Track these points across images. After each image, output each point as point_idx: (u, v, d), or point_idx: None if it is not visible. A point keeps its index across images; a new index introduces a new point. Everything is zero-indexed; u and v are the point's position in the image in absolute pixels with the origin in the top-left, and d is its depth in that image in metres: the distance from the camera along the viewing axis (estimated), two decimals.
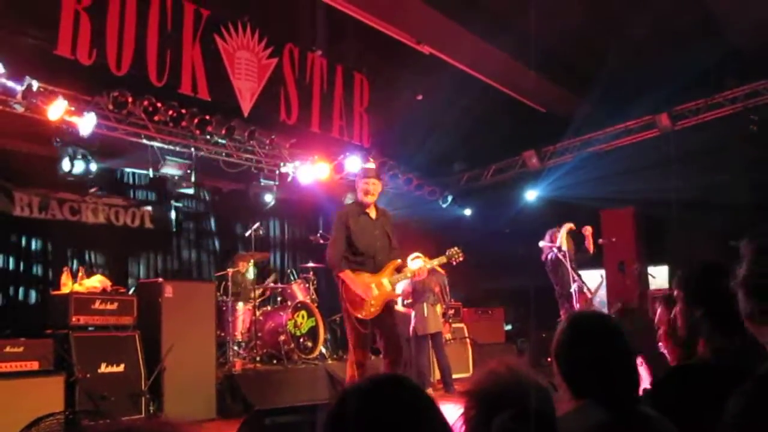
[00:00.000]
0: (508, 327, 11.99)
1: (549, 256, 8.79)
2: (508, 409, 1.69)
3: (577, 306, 8.12)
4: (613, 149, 11.84)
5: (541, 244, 8.89)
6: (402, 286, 8.64)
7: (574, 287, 8.33)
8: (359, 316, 6.09)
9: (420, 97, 10.95)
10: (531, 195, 12.78)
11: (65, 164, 7.84)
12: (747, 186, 10.13)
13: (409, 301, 9.02)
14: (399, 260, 6.45)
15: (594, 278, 9.76)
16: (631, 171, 11.05)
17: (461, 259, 6.61)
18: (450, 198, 12.49)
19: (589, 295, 8.63)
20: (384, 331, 6.21)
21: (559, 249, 8.55)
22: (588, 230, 9.04)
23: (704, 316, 2.66)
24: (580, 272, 8.80)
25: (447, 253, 6.62)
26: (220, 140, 9.16)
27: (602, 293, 10.27)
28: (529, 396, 1.75)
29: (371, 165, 7.07)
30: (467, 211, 13.10)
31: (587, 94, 11.18)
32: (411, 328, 8.82)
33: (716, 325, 2.61)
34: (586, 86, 10.85)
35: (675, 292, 2.86)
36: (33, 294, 8.77)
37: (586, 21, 9.36)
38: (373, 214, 6.46)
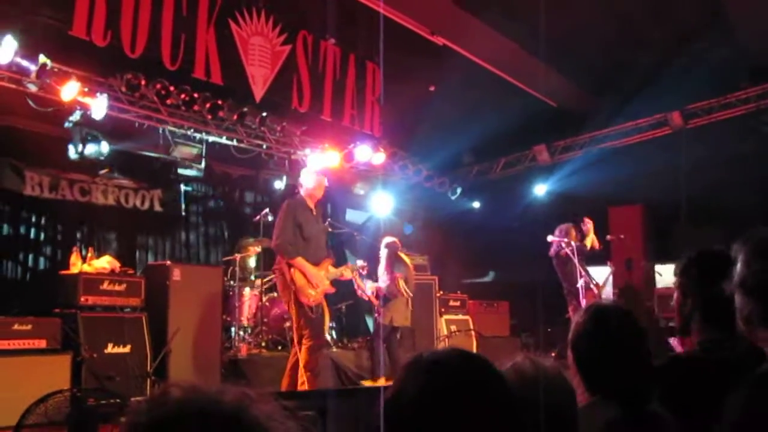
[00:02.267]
0: (514, 321, 11.99)
1: (558, 251, 8.78)
2: (533, 406, 1.67)
3: (584, 302, 8.11)
4: (624, 146, 11.82)
5: (550, 238, 8.88)
6: (384, 279, 8.65)
7: (581, 282, 8.32)
8: (306, 302, 6.49)
9: (432, 89, 10.93)
10: (540, 189, 12.76)
11: (77, 145, 7.87)
12: (756, 186, 10.11)
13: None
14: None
15: (601, 275, 9.76)
16: (640, 169, 11.03)
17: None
18: (459, 190, 12.47)
19: (596, 291, 8.63)
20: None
21: (568, 244, 8.55)
22: (588, 224, 9.00)
23: (696, 306, 2.64)
24: (588, 268, 8.80)
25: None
26: (231, 126, 9.17)
27: (609, 290, 10.27)
28: (555, 393, 1.74)
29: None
30: (476, 204, 13.08)
31: (600, 90, 11.16)
32: (388, 319, 8.67)
33: (708, 317, 2.60)
34: (599, 83, 10.83)
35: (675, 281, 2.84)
36: (42, 273, 8.80)
37: (600, 17, 9.33)
38: (313, 210, 6.94)
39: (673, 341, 3.62)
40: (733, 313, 2.59)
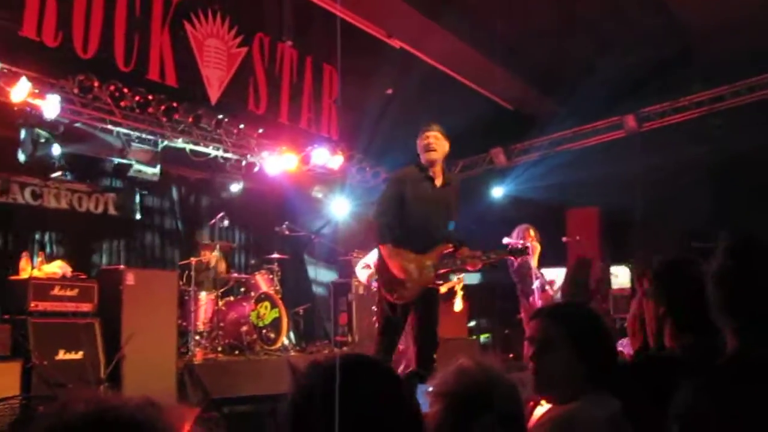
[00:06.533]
0: (472, 323, 12.03)
1: None
2: (481, 409, 1.67)
3: (539, 303, 8.17)
4: (581, 149, 11.95)
5: (506, 240, 8.92)
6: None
7: (536, 284, 8.38)
8: (390, 299, 5.53)
9: (390, 92, 10.95)
10: (497, 192, 12.84)
11: (27, 147, 7.72)
12: (708, 190, 10.28)
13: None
14: (452, 244, 5.65)
15: (556, 276, 9.83)
16: (597, 171, 11.14)
17: None
18: None
19: (550, 293, 8.70)
20: (415, 321, 5.65)
21: (524, 246, 8.58)
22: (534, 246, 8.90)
23: (668, 311, 2.68)
24: (543, 270, 8.85)
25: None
26: (186, 128, 9.08)
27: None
28: (503, 396, 1.74)
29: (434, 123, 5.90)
30: None
31: (556, 93, 11.26)
32: None
33: (680, 322, 2.64)
34: (555, 85, 10.93)
35: (642, 286, 2.87)
36: None
37: (556, 21, 9.42)
38: (438, 180, 5.75)
39: (622, 343, 3.66)
40: (706, 318, 2.64)
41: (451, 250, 5.63)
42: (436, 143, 5.69)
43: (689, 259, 2.79)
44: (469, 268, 5.84)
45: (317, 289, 11.78)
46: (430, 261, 5.55)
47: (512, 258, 6.51)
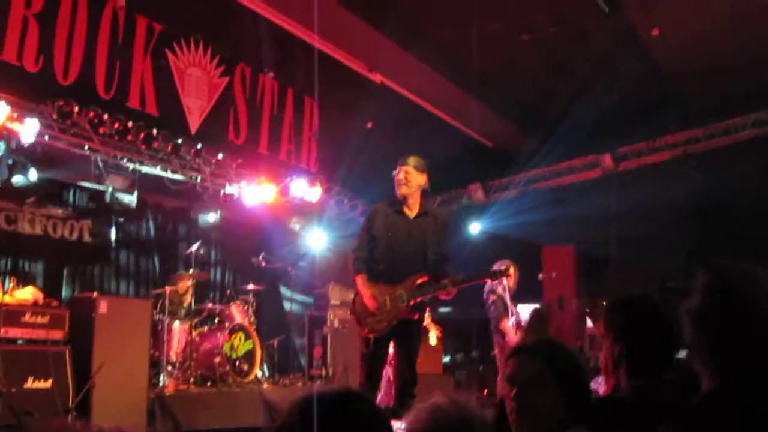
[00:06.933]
0: (446, 359, 11.99)
1: (493, 289, 8.79)
2: None
3: (516, 339, 8.14)
4: (557, 187, 12.04)
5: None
6: None
7: (512, 321, 8.36)
8: (364, 333, 5.53)
9: (370, 125, 10.99)
10: (475, 228, 12.87)
11: (3, 172, 7.65)
12: (684, 229, 10.38)
13: None
14: (428, 274, 5.55)
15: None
16: (573, 209, 11.23)
17: None
18: None
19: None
20: (394, 355, 5.68)
21: (499, 282, 8.56)
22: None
23: (623, 352, 2.66)
24: (519, 306, 8.85)
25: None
26: (165, 156, 9.05)
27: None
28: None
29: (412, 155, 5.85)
30: None
31: (535, 131, 11.37)
32: None
33: (635, 362, 2.63)
34: (535, 123, 11.04)
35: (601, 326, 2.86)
36: None
37: (535, 60, 9.55)
38: (411, 212, 5.74)
39: (596, 380, 3.66)
40: (658, 359, 2.64)
41: (426, 279, 5.55)
42: (407, 177, 5.68)
43: (644, 298, 2.79)
44: (442, 297, 5.66)
45: (292, 322, 11.68)
46: (403, 290, 5.48)
47: (487, 281, 6.47)
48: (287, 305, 11.89)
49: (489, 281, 8.68)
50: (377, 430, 1.42)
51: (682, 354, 2.55)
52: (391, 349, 5.82)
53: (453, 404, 1.75)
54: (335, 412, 1.40)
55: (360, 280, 5.61)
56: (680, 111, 10.67)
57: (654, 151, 11.22)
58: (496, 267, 8.28)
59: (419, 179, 5.74)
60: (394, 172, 5.77)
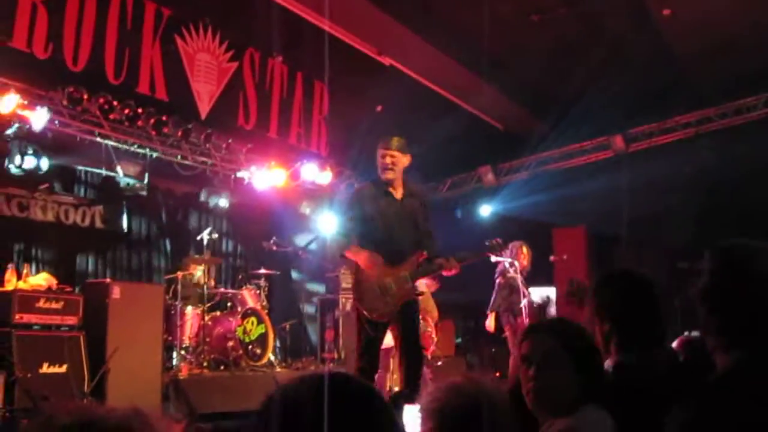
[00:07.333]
0: (458, 340, 12.02)
1: (504, 271, 8.81)
2: (474, 424, 1.64)
3: (527, 321, 8.16)
4: (568, 168, 12.01)
5: (494, 259, 8.90)
6: None
7: (523, 302, 8.37)
8: (369, 316, 5.35)
9: (380, 109, 10.97)
10: (485, 210, 12.86)
11: (15, 159, 7.68)
12: (694, 210, 10.34)
13: None
14: (426, 252, 5.57)
15: (544, 294, 9.86)
16: (584, 191, 11.20)
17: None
18: None
19: (536, 312, 8.69)
20: (399, 338, 5.48)
21: (512, 264, 8.58)
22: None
23: (611, 329, 2.64)
24: (531, 288, 8.86)
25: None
26: (175, 142, 9.06)
27: (552, 310, 10.36)
28: (496, 410, 1.71)
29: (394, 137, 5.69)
30: None
31: (545, 113, 11.32)
32: None
33: (624, 340, 2.62)
34: (545, 105, 10.99)
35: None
36: None
37: (545, 41, 9.48)
38: (398, 193, 5.64)
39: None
40: (650, 334, 2.63)
41: (425, 256, 5.58)
42: (393, 161, 5.58)
43: (628, 272, 2.77)
44: (445, 273, 5.65)
45: (304, 305, 11.71)
46: (406, 271, 5.45)
47: (491, 255, 6.47)
48: (299, 289, 11.91)
49: (501, 263, 8.73)
50: (379, 421, 1.33)
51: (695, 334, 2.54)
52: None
53: (469, 382, 1.76)
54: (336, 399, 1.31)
55: (353, 249, 5.50)
56: (692, 91, 10.59)
57: (665, 131, 11.17)
58: (508, 249, 8.31)
59: (404, 161, 5.65)
60: (377, 154, 5.66)
